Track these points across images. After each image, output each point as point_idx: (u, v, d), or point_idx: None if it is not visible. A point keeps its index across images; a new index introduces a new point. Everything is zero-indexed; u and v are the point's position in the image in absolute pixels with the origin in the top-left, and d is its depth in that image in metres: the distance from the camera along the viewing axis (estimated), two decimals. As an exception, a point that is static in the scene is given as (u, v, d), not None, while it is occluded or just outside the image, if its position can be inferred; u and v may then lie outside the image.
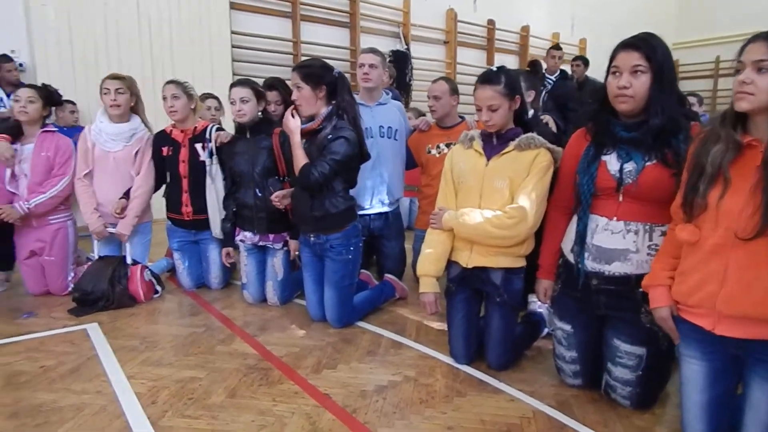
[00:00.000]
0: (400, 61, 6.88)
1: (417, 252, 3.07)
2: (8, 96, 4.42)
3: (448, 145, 3.03)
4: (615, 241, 1.68)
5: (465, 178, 2.05)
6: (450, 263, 2.11)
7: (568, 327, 1.87)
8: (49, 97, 2.96)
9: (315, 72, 2.40)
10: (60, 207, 2.97)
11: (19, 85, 4.43)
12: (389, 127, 3.08)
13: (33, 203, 2.82)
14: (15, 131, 2.89)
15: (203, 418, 1.72)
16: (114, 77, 2.94)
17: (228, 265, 3.00)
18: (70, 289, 2.92)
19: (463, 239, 2.03)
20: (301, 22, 6.41)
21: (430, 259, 2.09)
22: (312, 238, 2.52)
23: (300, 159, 2.36)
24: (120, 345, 2.31)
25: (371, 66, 2.99)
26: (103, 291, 2.74)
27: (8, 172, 2.84)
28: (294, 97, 2.44)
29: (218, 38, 5.63)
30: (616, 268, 1.68)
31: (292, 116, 2.41)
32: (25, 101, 2.83)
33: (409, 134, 3.23)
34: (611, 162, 1.70)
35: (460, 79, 7.46)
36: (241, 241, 2.86)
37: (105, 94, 2.90)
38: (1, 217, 2.76)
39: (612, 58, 1.66)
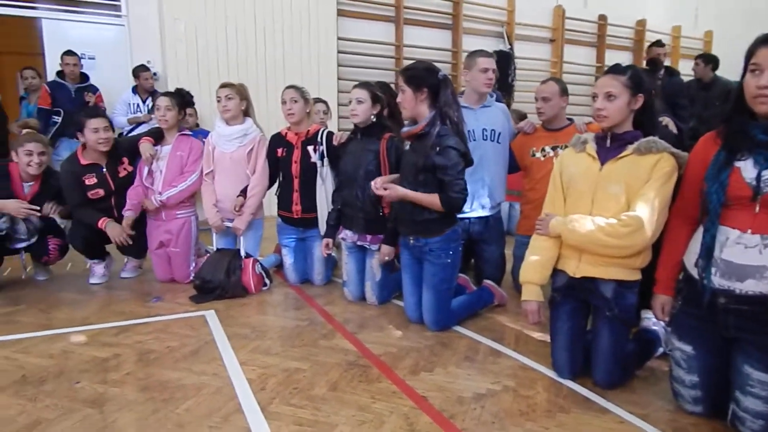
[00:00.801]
0: (503, 62, 6.71)
1: (517, 258, 2.99)
2: (144, 102, 4.96)
3: (554, 148, 2.91)
4: (749, 257, 1.52)
5: (576, 183, 1.95)
6: (556, 271, 2.02)
7: (688, 348, 1.71)
8: (183, 100, 3.28)
9: (417, 74, 2.42)
10: (186, 203, 3.27)
11: (154, 92, 4.96)
12: (492, 130, 3.02)
13: (165, 196, 3.15)
14: (158, 135, 3.26)
15: (307, 408, 1.81)
16: (224, 85, 3.18)
17: (326, 255, 3.11)
18: (191, 277, 3.21)
19: (571, 247, 1.94)
20: (404, 25, 6.50)
21: (534, 266, 2.02)
22: (411, 241, 2.54)
23: (428, 199, 2.37)
24: (233, 332, 2.49)
25: (494, 71, 2.95)
26: (219, 281, 2.97)
27: (146, 169, 3.19)
28: (398, 99, 2.49)
29: (325, 44, 5.87)
30: (750, 286, 1.52)
31: (384, 189, 2.45)
32: (164, 110, 3.17)
33: (512, 137, 3.14)
34: (746, 168, 1.54)
35: (566, 78, 7.13)
36: (342, 239, 2.96)
37: (218, 101, 3.16)
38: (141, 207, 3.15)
39: (750, 54, 1.51)
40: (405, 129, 2.51)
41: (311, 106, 3.20)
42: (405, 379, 2.03)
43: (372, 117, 2.82)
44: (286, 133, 3.20)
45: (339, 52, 6.04)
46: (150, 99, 4.92)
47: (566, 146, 2.12)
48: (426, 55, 6.43)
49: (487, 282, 2.89)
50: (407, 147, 2.55)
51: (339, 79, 6.02)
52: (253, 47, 5.51)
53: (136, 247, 3.26)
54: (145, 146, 3.18)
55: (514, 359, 2.21)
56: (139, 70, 4.96)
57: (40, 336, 2.43)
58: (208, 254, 3.23)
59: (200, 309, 2.82)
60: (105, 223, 3.07)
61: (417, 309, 2.58)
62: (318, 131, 3.16)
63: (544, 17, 7.60)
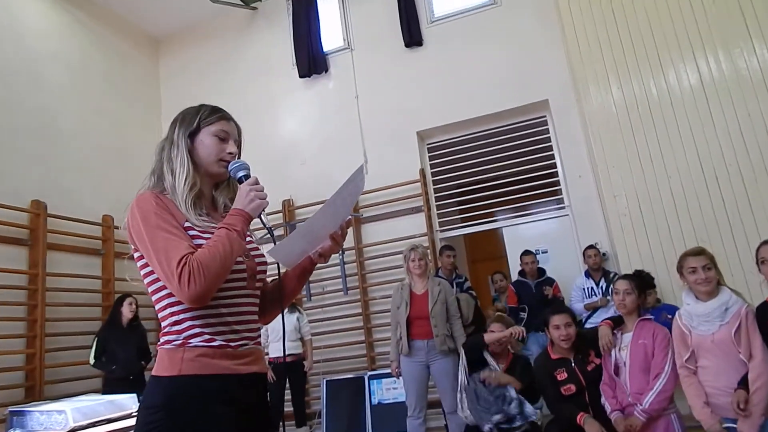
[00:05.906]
0: None
1: None
2: (597, 284, 4.86)
3: None
4: None
5: None
6: None
7: None
8: (642, 282, 3.05)
9: None
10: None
11: (602, 270, 4.87)
12: None
13: (647, 403, 2.73)
14: (618, 319, 3.05)
15: None
16: (697, 253, 2.71)
17: None
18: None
19: None
20: None
21: None
22: None
23: None
24: None
25: None
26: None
27: (612, 360, 2.93)
28: None
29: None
30: None
31: None
32: (623, 294, 2.97)
33: None
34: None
35: None
36: None
37: (691, 272, 2.68)
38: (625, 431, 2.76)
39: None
40: None
41: None
42: None
43: None
44: (786, 300, 2.40)
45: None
46: (603, 280, 4.82)
47: None
48: None
49: None
50: None
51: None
52: (706, 198, 4.76)
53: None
54: (603, 330, 2.99)
55: None
56: (587, 252, 5.00)
57: None
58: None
59: None
60: (583, 419, 2.88)
61: None
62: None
63: None
